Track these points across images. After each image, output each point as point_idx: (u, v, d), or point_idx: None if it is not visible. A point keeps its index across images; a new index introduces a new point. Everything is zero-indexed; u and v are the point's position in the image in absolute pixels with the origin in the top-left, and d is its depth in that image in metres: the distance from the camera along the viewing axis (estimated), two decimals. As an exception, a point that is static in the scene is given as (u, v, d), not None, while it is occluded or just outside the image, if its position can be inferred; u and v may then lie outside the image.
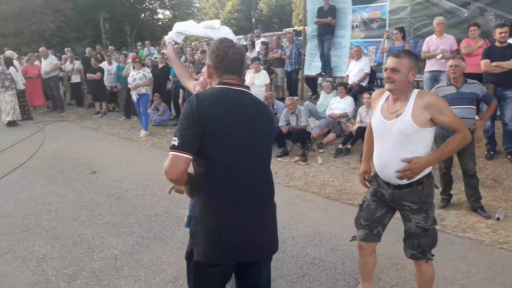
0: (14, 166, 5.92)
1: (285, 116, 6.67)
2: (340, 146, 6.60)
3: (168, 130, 8.78)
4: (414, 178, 2.28)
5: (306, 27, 9.53)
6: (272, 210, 1.92)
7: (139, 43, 17.59)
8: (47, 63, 10.76)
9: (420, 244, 2.38)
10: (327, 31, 8.59)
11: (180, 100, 8.54)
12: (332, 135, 7.06)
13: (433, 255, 2.45)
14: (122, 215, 4.24)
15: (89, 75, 10.30)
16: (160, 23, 33.08)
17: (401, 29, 7.30)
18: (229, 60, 1.81)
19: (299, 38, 11.36)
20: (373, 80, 8.26)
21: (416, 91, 2.30)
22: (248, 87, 1.91)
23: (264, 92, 7.33)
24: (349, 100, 7.18)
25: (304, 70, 9.52)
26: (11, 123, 9.27)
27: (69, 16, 23.87)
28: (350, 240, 2.88)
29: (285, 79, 10.27)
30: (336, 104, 7.26)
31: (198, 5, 37.81)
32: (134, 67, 8.37)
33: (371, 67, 7.97)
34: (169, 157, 1.64)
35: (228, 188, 1.72)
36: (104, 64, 10.56)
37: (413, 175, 2.25)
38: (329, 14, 8.48)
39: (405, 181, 2.30)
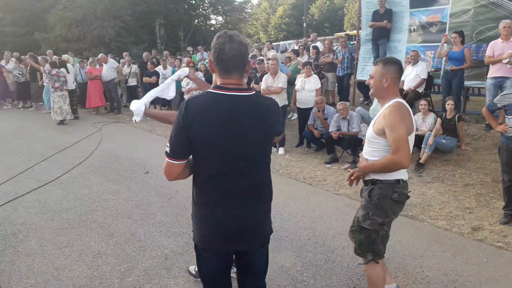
0: (74, 164, 6.26)
1: (336, 121, 6.52)
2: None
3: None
4: (361, 177, 2.51)
5: (360, 31, 9.30)
6: (264, 208, 1.98)
7: (190, 48, 18.10)
8: (108, 67, 11.35)
9: (355, 238, 2.54)
10: (382, 35, 8.34)
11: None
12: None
13: (373, 259, 2.49)
14: (173, 215, 4.33)
15: (145, 79, 10.73)
16: (212, 28, 33.87)
17: (461, 33, 6.91)
18: (225, 56, 1.75)
19: (352, 43, 11.12)
20: (430, 86, 7.88)
21: (394, 100, 2.36)
22: (250, 89, 1.89)
23: (315, 97, 7.22)
24: (404, 106, 6.87)
25: (357, 74, 9.29)
26: (60, 122, 9.87)
27: (127, 22, 25.07)
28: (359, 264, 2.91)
29: (336, 84, 10.10)
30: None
31: (250, 10, 38.26)
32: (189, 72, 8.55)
33: (429, 72, 7.61)
34: (164, 162, 1.81)
35: (215, 190, 1.83)
36: (159, 68, 10.95)
37: (358, 174, 2.51)
38: (385, 17, 8.22)
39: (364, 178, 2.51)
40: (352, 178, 2.58)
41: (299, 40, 15.23)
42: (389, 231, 2.57)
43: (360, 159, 2.55)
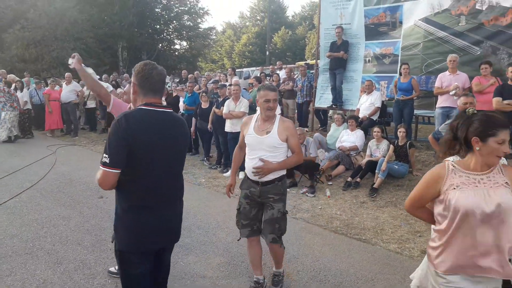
0: (24, 188, 5.97)
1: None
2: (349, 179, 6.52)
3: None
4: (264, 176, 3.03)
5: (318, 60, 9.67)
6: (180, 208, 2.30)
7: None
8: (69, 89, 11.07)
9: (281, 227, 3.13)
10: (339, 65, 8.71)
11: (192, 129, 8.60)
12: (341, 168, 7.00)
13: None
14: (126, 241, 4.20)
15: (104, 101, 10.51)
16: (176, 53, 33.95)
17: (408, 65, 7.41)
18: (153, 79, 2.09)
19: (311, 71, 11.52)
20: (384, 114, 8.26)
21: (278, 116, 3.16)
22: (169, 107, 2.21)
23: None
24: (359, 133, 7.16)
25: (315, 102, 9.58)
26: (9, 139, 9.98)
27: (89, 44, 24.66)
28: (238, 240, 3.39)
29: (296, 111, 10.35)
30: (346, 137, 7.24)
31: (214, 37, 38.79)
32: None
33: (383, 101, 7.99)
34: (101, 172, 1.95)
35: (153, 193, 2.06)
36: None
37: (264, 173, 3.02)
38: (341, 48, 8.61)
39: (270, 179, 3.06)
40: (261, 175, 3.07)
41: (264, 67, 15.58)
42: None
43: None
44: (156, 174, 2.05)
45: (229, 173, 6.90)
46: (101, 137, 11.06)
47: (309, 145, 6.60)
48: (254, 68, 22.92)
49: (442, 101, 6.72)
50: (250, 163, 3.10)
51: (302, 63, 15.16)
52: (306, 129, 7.15)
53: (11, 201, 5.36)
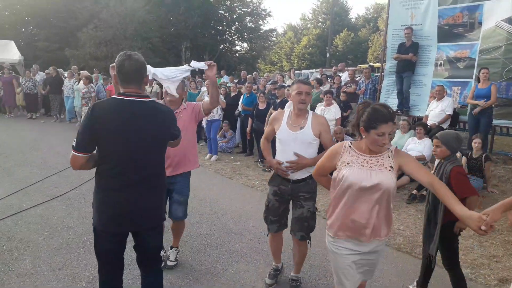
0: (84, 180, 6.15)
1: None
2: (414, 191, 6.01)
3: (232, 157, 8.75)
4: (298, 171, 3.03)
5: (384, 63, 9.13)
6: (155, 197, 2.32)
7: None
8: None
9: (310, 226, 3.12)
10: (407, 68, 8.14)
11: (248, 129, 8.49)
12: (405, 179, 6.44)
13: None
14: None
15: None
16: (237, 54, 34.37)
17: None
18: (125, 70, 2.18)
19: (375, 74, 10.95)
20: (455, 122, 7.58)
21: (311, 112, 3.14)
22: (146, 96, 2.28)
23: (334, 127, 7.02)
24: (427, 142, 6.59)
25: (379, 107, 9.04)
26: None
27: (155, 44, 25.68)
28: (266, 235, 3.39)
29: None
30: (413, 145, 6.70)
31: (274, 39, 38.78)
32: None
33: (454, 108, 7.33)
34: (70, 154, 2.16)
35: (117, 176, 2.17)
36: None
37: (297, 168, 3.00)
38: (410, 50, 8.04)
39: (301, 177, 3.05)
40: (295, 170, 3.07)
41: (324, 69, 15.15)
42: None
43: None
44: (119, 159, 2.16)
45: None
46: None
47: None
48: (313, 70, 22.50)
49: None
50: (282, 159, 3.07)
51: (365, 65, 14.52)
52: (344, 128, 6.74)
53: (71, 193, 5.51)
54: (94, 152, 2.21)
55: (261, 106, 8.12)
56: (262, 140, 3.41)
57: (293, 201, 3.16)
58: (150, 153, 2.25)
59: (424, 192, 5.89)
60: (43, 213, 4.64)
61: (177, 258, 3.63)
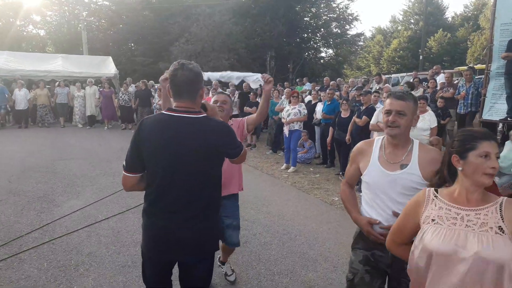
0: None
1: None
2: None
3: (311, 169, 8.23)
4: None
5: (489, 63, 7.89)
6: (203, 223, 2.02)
7: (298, 79, 17.92)
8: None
9: None
10: (519, 68, 6.89)
11: (328, 139, 7.91)
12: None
13: None
14: (243, 265, 3.75)
15: (246, 109, 10.67)
16: (322, 61, 33.68)
17: None
18: (177, 81, 1.98)
19: (477, 77, 9.60)
20: None
21: (416, 141, 2.14)
22: (199, 112, 2.02)
23: (428, 137, 6.14)
24: (552, 157, 5.40)
25: (483, 113, 7.82)
26: None
27: (241, 54, 26.22)
28: None
29: (456, 123, 8.71)
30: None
31: (362, 43, 37.24)
32: (290, 102, 8.23)
33: None
34: (122, 175, 2.05)
35: (158, 200, 1.99)
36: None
37: None
38: (524, 47, 6.79)
39: None
40: None
41: (418, 72, 13.84)
42: None
43: None
44: (160, 181, 1.97)
45: None
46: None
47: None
48: (404, 74, 20.90)
49: None
50: (374, 215, 2.11)
51: (464, 67, 12.92)
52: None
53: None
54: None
55: (344, 114, 7.50)
56: (342, 187, 2.42)
57: (390, 279, 2.18)
58: (198, 174, 1.97)
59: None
60: (115, 225, 4.63)
61: (232, 269, 3.55)
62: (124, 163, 2.01)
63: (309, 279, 3.50)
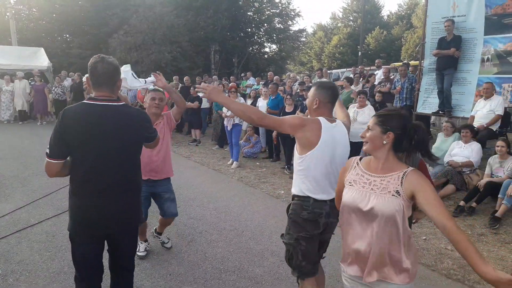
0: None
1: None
2: (462, 203, 5.28)
3: (257, 163, 8.26)
4: None
5: (422, 60, 8.37)
6: (128, 200, 2.29)
7: (243, 74, 17.94)
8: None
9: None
10: (448, 64, 7.36)
11: (274, 133, 7.98)
12: (450, 188, 5.77)
13: (299, 277, 2.49)
14: (189, 265, 3.66)
15: (188, 104, 10.43)
16: (266, 56, 33.95)
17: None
18: (97, 73, 2.16)
19: (412, 73, 10.17)
20: (507, 124, 6.75)
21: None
22: (118, 100, 2.24)
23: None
24: (475, 146, 5.85)
25: (417, 107, 8.30)
26: None
27: (184, 48, 25.62)
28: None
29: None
30: (458, 150, 5.97)
31: (304, 39, 38.04)
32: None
33: (505, 108, 6.52)
34: (45, 162, 2.16)
35: (88, 182, 2.14)
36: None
37: None
38: (452, 45, 7.26)
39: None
40: None
41: (356, 68, 14.40)
42: (311, 249, 2.41)
43: None
44: (89, 165, 2.13)
45: None
46: (185, 139, 11.03)
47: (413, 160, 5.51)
48: (344, 70, 21.69)
49: None
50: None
51: (399, 63, 13.65)
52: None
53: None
54: (68, 158, 2.20)
55: (288, 109, 7.60)
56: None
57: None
58: (121, 157, 2.22)
59: (474, 204, 5.18)
60: (50, 229, 4.30)
61: (168, 238, 4.09)
62: (48, 150, 2.13)
63: (256, 274, 3.49)
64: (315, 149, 2.30)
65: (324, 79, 10.45)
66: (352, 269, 1.93)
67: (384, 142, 1.86)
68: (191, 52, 26.95)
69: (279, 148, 8.51)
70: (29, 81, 13.54)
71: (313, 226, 2.36)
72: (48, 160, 2.13)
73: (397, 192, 1.79)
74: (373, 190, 1.85)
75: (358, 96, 6.63)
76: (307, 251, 2.37)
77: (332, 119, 2.44)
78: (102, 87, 2.18)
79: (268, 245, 4.10)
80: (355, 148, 6.40)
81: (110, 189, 2.17)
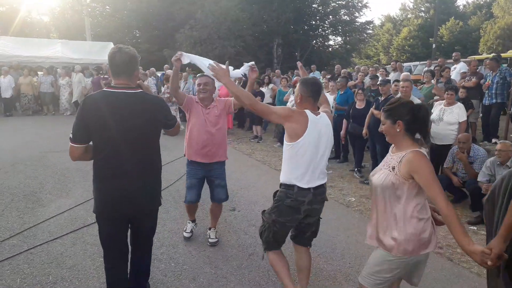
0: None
1: (490, 168, 4.71)
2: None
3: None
4: None
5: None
6: (149, 183, 2.46)
7: (306, 68, 17.27)
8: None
9: None
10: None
11: (342, 132, 7.30)
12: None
13: (265, 249, 2.83)
14: (249, 284, 3.20)
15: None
16: (330, 49, 32.87)
17: None
18: (116, 62, 2.30)
19: (505, 65, 8.90)
20: None
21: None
22: (137, 88, 2.38)
23: (456, 132, 5.52)
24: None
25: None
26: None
27: (247, 42, 25.48)
28: None
29: (480, 114, 8.07)
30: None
31: (371, 31, 36.24)
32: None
33: None
34: (69, 146, 2.33)
35: (109, 165, 2.31)
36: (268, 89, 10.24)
37: None
38: None
39: None
40: None
41: (431, 61, 13.10)
42: (282, 232, 2.70)
43: None
44: (109, 149, 2.26)
45: None
46: (246, 135, 10.67)
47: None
48: (417, 63, 20.12)
49: None
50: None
51: (484, 56, 12.16)
52: (510, 143, 4.93)
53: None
54: (91, 143, 2.34)
55: (359, 105, 6.88)
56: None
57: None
58: (140, 141, 2.35)
59: None
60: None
61: (217, 236, 3.93)
62: (71, 135, 2.27)
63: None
64: (301, 139, 2.49)
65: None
66: (368, 232, 2.30)
67: (398, 130, 2.12)
68: (254, 46, 26.74)
69: (347, 149, 7.83)
70: (99, 74, 13.97)
71: (294, 212, 2.59)
72: (72, 144, 2.29)
73: (393, 168, 2.10)
74: (383, 166, 2.20)
75: (446, 93, 5.73)
76: (278, 233, 2.69)
77: (316, 112, 2.62)
78: (120, 75, 2.31)
79: (341, 267, 3.53)
80: (439, 153, 5.60)
81: (129, 172, 2.31)
